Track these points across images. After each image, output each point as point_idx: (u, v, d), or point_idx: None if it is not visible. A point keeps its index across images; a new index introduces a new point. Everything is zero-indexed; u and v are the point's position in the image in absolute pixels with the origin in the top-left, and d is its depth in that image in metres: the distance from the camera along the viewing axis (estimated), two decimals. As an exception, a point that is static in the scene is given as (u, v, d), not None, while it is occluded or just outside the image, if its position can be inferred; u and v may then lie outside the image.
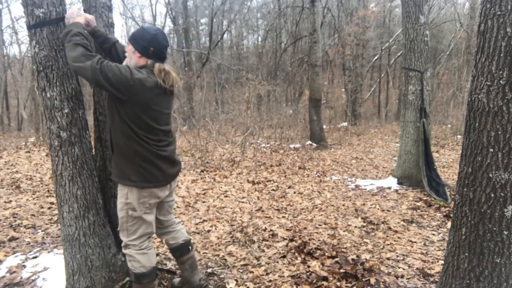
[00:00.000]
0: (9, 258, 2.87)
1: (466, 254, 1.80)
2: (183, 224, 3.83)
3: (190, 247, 2.34)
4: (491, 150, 1.67)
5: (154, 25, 19.01)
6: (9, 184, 5.43)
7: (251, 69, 18.24)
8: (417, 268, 2.77)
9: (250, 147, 9.28)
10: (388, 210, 4.26)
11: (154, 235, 2.24)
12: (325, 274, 2.63)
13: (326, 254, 2.97)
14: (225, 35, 22.21)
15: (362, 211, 4.22)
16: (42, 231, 3.55)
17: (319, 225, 3.77)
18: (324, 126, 11.95)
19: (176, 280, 2.47)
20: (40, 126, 11.24)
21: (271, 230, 3.62)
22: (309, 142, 10.46)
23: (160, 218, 2.22)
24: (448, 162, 7.49)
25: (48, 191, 5.09)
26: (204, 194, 5.10)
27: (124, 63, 1.93)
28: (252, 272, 2.73)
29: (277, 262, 2.90)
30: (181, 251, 2.30)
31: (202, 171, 6.65)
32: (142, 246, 2.03)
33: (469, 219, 1.77)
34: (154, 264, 2.08)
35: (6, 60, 14.81)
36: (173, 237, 2.30)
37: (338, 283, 2.51)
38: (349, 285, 2.51)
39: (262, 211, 4.31)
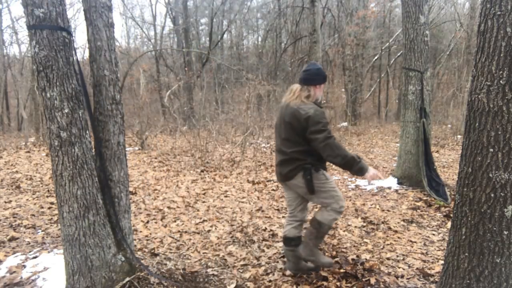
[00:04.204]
0: (9, 258, 2.87)
1: (466, 254, 1.80)
2: (183, 223, 3.83)
3: None
4: (491, 150, 1.67)
5: (154, 25, 19.03)
6: (9, 184, 5.44)
7: (251, 69, 18.21)
8: (417, 268, 2.77)
9: (250, 147, 9.28)
10: (388, 210, 4.26)
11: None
12: (325, 274, 2.63)
13: (326, 254, 2.97)
14: (225, 35, 22.20)
15: (362, 211, 4.22)
16: (42, 231, 3.55)
17: (319, 225, 3.77)
18: (324, 126, 11.89)
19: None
20: (40, 126, 11.24)
21: (271, 230, 3.62)
22: (309, 142, 10.43)
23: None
24: (448, 162, 7.49)
25: (48, 191, 5.10)
26: (204, 194, 5.10)
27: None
28: (252, 272, 2.73)
29: (277, 262, 2.90)
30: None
31: (202, 171, 6.66)
32: None
33: (469, 219, 1.77)
34: None
35: (6, 60, 14.81)
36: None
37: (338, 283, 2.52)
38: (349, 285, 2.52)
39: (262, 211, 4.31)
